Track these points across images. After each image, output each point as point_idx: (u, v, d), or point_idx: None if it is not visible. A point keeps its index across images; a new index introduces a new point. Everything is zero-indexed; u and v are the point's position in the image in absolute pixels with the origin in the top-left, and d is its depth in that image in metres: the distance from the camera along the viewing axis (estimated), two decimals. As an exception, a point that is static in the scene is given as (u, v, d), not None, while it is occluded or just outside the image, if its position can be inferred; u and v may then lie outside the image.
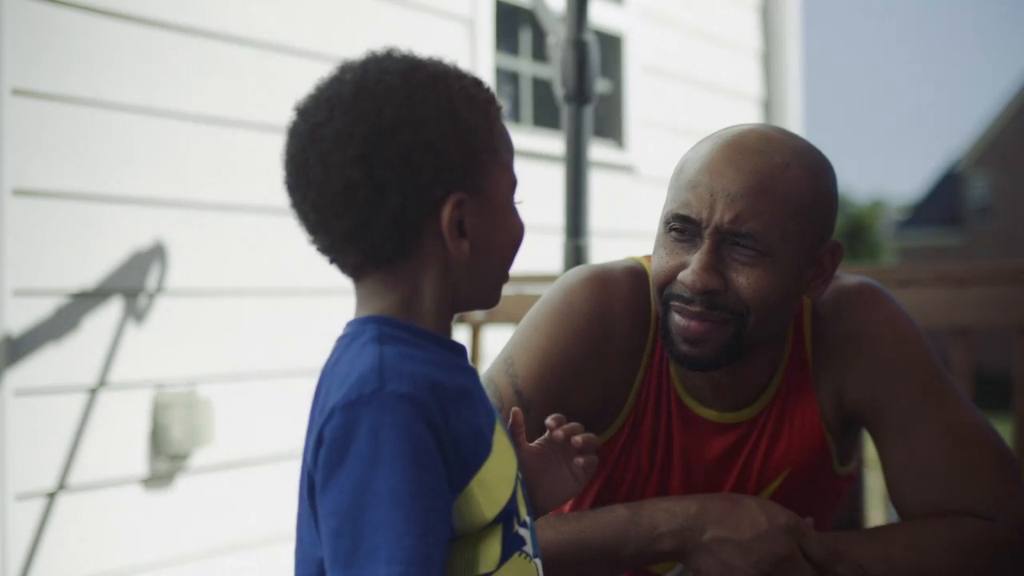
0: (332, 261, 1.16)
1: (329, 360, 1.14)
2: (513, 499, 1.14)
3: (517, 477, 1.16)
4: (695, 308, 1.45)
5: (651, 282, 1.53)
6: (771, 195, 1.43)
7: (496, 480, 1.11)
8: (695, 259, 1.45)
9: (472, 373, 1.17)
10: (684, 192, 1.46)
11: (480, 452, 1.10)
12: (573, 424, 1.31)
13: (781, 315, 1.49)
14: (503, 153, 1.16)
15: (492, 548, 1.11)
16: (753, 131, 1.49)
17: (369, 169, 1.09)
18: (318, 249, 1.16)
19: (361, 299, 1.16)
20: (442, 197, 1.11)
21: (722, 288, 1.44)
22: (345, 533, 1.02)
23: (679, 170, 1.50)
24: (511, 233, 1.17)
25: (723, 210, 1.43)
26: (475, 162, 1.12)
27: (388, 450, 1.02)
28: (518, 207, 1.19)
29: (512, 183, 1.18)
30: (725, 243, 1.44)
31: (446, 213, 1.11)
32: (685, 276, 1.45)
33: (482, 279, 1.17)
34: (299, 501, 1.13)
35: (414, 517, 1.02)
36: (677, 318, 1.47)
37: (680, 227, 1.47)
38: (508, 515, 1.13)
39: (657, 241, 1.52)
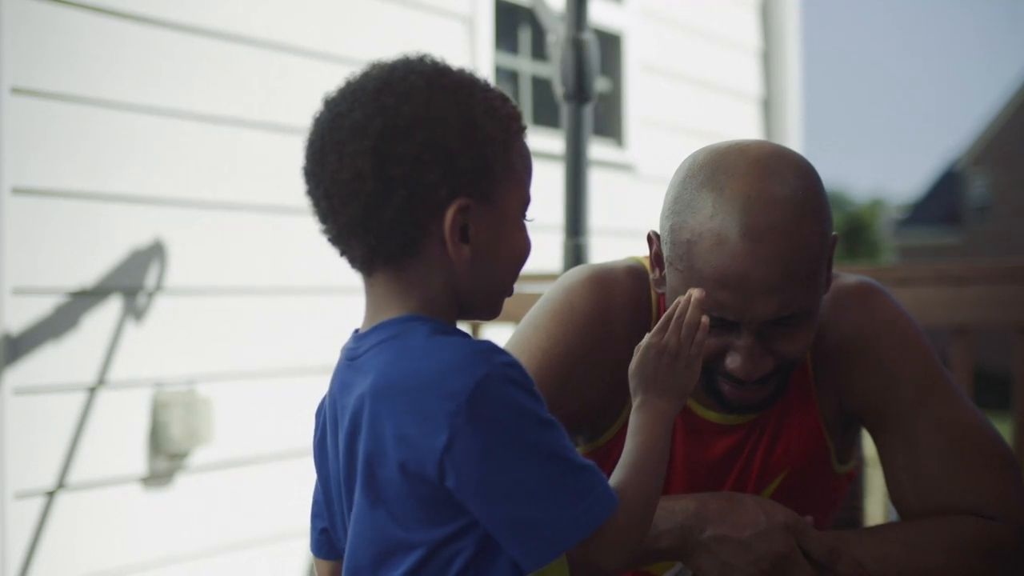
0: (342, 254, 1.18)
1: (387, 361, 1.13)
2: None
3: None
4: (749, 386, 1.45)
5: None
6: (800, 271, 1.39)
7: None
8: (742, 352, 1.42)
9: None
10: (710, 290, 1.38)
11: None
12: None
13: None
14: (518, 170, 1.18)
15: None
16: (753, 194, 1.38)
17: (380, 162, 1.11)
18: (328, 239, 1.17)
19: (379, 298, 1.17)
20: (448, 199, 1.12)
21: (773, 365, 1.44)
22: (533, 495, 1.07)
23: (686, 246, 1.40)
24: (516, 249, 1.18)
25: (762, 308, 1.39)
26: (487, 172, 1.14)
27: (530, 410, 1.09)
28: (528, 225, 1.20)
29: (524, 201, 1.19)
30: (765, 325, 1.42)
31: (449, 216, 1.12)
32: (736, 369, 1.43)
33: (482, 289, 1.18)
34: (361, 502, 1.14)
35: (575, 454, 1.11)
36: (729, 388, 1.47)
37: (713, 323, 1.41)
38: None
39: None
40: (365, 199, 1.12)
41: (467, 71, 1.18)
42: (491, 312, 1.21)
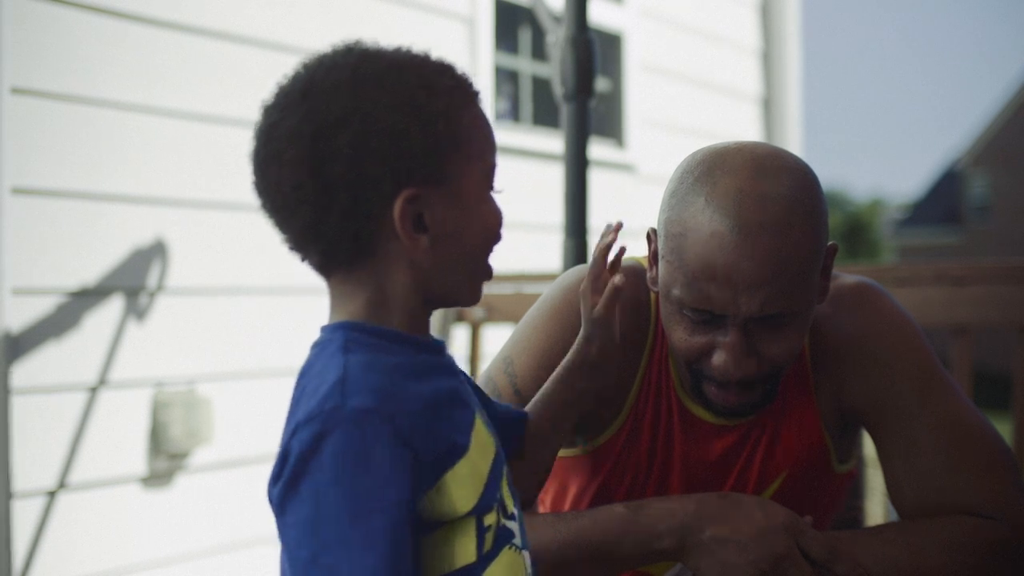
0: (302, 260, 1.14)
1: (303, 367, 1.12)
2: (491, 493, 1.12)
3: (500, 471, 1.14)
4: (734, 387, 1.46)
5: (673, 353, 1.51)
6: (788, 270, 1.39)
7: (470, 475, 1.09)
8: (726, 348, 1.42)
9: (448, 369, 1.15)
10: (698, 283, 1.39)
11: (455, 451, 1.08)
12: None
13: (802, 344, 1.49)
14: (473, 140, 1.11)
15: (467, 542, 1.10)
16: (746, 190, 1.38)
17: (317, 167, 1.06)
18: (289, 248, 1.14)
19: (332, 300, 1.14)
20: (393, 192, 1.07)
21: (757, 366, 1.44)
22: (304, 545, 1.01)
23: (677, 239, 1.41)
24: (484, 223, 1.12)
25: (747, 303, 1.38)
26: (434, 152, 1.08)
27: (348, 466, 1.01)
28: (497, 196, 1.14)
29: (486, 171, 1.13)
30: (751, 322, 1.42)
31: (397, 209, 1.07)
32: (720, 366, 1.43)
33: (453, 273, 1.13)
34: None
35: (374, 535, 1.00)
36: (715, 390, 1.47)
37: (700, 318, 1.43)
38: (485, 509, 1.11)
39: (668, 315, 1.47)
40: (309, 207, 1.07)
41: (401, 51, 1.12)
42: (469, 297, 1.15)
